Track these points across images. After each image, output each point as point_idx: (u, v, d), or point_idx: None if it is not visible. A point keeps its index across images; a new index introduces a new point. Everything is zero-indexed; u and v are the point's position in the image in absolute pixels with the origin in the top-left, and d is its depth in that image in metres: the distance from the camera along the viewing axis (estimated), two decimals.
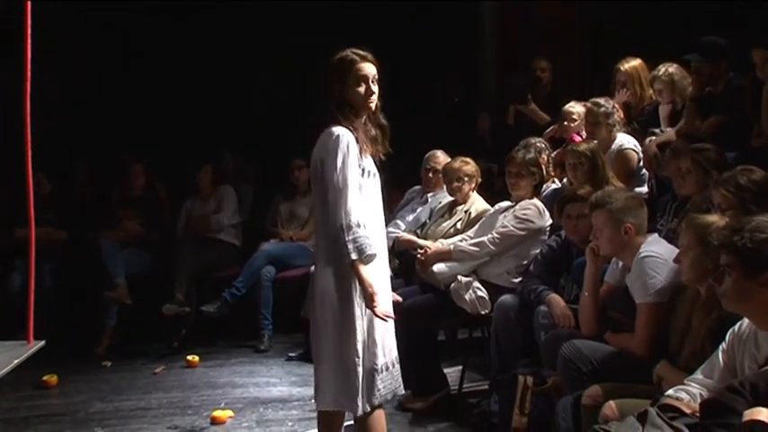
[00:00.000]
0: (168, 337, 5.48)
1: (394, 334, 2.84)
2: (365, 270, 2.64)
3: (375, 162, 2.84)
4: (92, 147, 6.43)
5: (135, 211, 5.86)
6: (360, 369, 2.69)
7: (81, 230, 5.73)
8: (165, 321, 5.48)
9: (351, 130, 2.73)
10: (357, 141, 2.74)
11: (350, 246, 2.61)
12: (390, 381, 2.81)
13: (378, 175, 2.85)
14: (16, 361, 1.92)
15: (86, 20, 6.25)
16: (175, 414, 4.16)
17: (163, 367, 5.04)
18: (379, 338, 2.74)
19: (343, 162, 2.67)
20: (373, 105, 2.80)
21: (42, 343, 2.10)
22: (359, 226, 2.64)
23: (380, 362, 2.74)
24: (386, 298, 2.80)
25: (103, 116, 6.58)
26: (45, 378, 4.64)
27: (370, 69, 2.79)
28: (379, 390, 2.74)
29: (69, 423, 4.05)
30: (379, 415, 2.80)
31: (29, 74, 1.99)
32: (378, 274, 2.73)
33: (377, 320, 2.70)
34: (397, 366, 2.85)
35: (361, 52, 2.80)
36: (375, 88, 2.79)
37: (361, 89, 2.76)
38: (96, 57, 6.52)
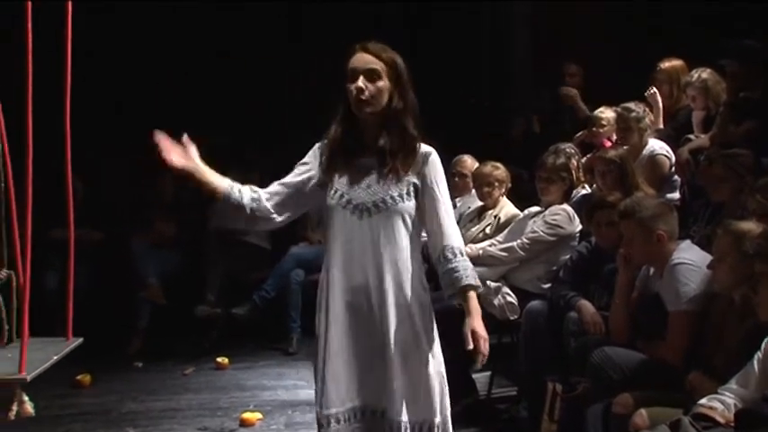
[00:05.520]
0: (198, 338, 5.53)
1: (351, 384, 2.27)
2: None
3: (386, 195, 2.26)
4: (124, 149, 6.50)
5: (167, 214, 5.92)
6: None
7: (114, 232, 5.81)
8: (194, 322, 5.54)
9: (333, 135, 2.33)
10: (332, 149, 2.32)
11: None
12: None
13: (367, 210, 2.27)
14: (56, 357, 1.93)
15: (113, 21, 6.31)
16: (205, 415, 4.19)
17: (192, 368, 5.09)
18: (324, 384, 2.27)
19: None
20: (367, 108, 2.25)
21: (81, 339, 2.11)
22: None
23: (324, 412, 2.27)
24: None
25: (134, 118, 6.65)
26: (79, 377, 4.71)
27: (359, 61, 2.27)
28: None
29: (102, 422, 4.11)
30: None
31: (68, 74, 2.01)
32: (344, 309, 2.29)
33: (326, 363, 2.27)
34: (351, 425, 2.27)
35: (363, 43, 2.32)
36: (369, 85, 2.24)
37: (351, 85, 2.26)
38: (126, 60, 6.60)
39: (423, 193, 2.30)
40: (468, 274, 2.28)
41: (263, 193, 2.33)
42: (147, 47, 6.40)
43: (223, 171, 2.37)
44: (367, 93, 2.24)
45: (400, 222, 2.28)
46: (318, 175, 2.34)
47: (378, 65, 2.27)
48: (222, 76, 6.58)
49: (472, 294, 2.30)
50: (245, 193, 2.30)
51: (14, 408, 1.80)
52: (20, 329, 1.87)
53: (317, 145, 2.39)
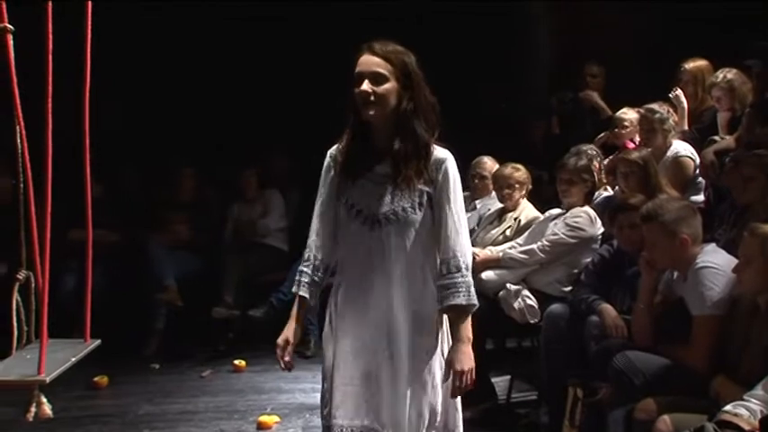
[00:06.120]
0: (215, 340, 5.53)
1: (354, 403, 2.22)
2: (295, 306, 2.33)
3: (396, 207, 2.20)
4: (141, 150, 6.54)
5: (184, 215, 5.93)
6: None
7: (131, 233, 5.82)
8: (211, 324, 5.54)
9: (345, 142, 2.29)
10: (344, 157, 2.27)
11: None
12: None
13: (378, 222, 2.21)
14: (74, 359, 1.94)
15: (136, 23, 6.35)
16: (222, 418, 4.19)
17: (209, 371, 5.09)
18: (343, 395, 2.23)
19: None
20: (373, 112, 2.17)
21: (99, 341, 2.12)
22: (307, 260, 2.30)
23: (347, 423, 2.21)
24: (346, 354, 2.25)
25: (153, 119, 6.68)
26: (96, 379, 4.72)
27: (365, 64, 2.19)
28: None
29: (119, 424, 4.12)
30: None
31: (88, 77, 2.01)
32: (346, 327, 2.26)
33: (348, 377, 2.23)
34: None
35: (370, 42, 2.23)
36: (375, 88, 2.16)
37: (356, 90, 2.19)
38: (145, 61, 6.63)
39: (434, 203, 2.22)
40: (462, 291, 2.17)
41: (318, 261, 2.30)
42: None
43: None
44: (373, 97, 2.16)
45: (412, 233, 2.21)
46: (335, 189, 2.29)
47: (383, 67, 2.18)
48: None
49: (464, 318, 2.19)
50: (314, 287, 2.30)
51: (33, 409, 1.80)
52: (38, 331, 1.87)
53: (327, 156, 2.33)
